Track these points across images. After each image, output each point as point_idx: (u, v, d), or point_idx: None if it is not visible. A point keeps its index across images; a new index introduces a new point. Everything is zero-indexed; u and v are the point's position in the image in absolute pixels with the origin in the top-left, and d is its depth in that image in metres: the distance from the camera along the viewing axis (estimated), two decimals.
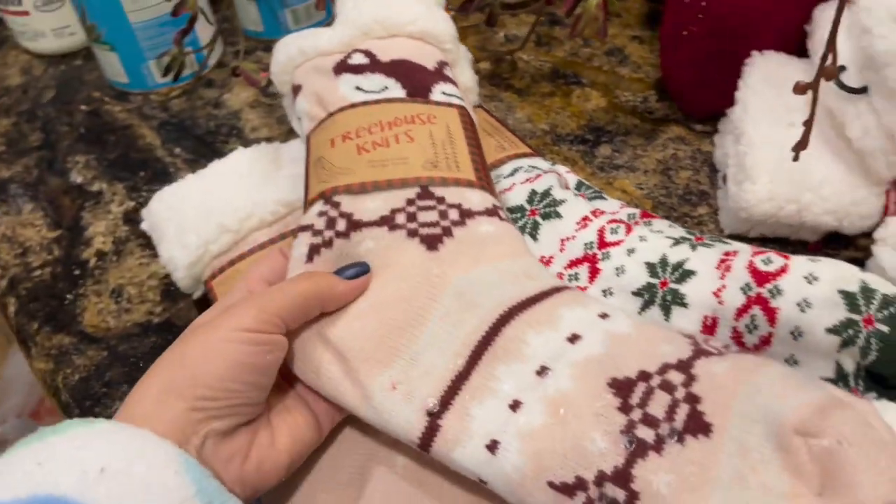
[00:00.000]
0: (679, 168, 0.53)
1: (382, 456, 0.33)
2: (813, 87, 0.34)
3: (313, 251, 0.35)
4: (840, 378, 0.34)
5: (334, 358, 0.32)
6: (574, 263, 0.40)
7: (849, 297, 0.33)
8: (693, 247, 0.39)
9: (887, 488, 0.23)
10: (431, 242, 0.34)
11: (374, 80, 0.39)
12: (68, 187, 0.59)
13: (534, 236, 0.42)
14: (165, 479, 0.25)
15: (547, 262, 0.41)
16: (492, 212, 0.36)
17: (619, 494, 0.26)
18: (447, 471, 0.32)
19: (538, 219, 0.42)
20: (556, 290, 0.33)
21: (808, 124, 0.35)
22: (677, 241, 0.39)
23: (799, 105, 0.46)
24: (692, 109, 0.56)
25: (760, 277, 0.35)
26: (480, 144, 0.40)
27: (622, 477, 0.26)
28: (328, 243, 0.35)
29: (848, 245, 0.46)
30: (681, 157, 0.54)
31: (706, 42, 0.50)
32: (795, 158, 0.36)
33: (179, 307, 0.49)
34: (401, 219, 0.35)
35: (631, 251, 0.39)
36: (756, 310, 0.35)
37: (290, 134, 0.58)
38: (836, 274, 0.34)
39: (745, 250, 0.37)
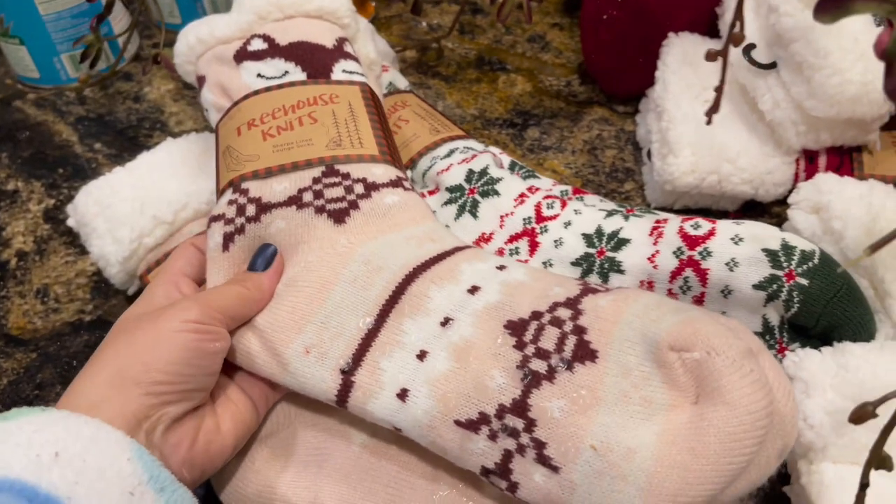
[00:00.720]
0: (605, 147, 0.55)
1: (339, 435, 0.34)
2: (722, 53, 0.37)
3: (227, 240, 0.36)
4: (766, 331, 0.36)
5: (254, 335, 0.33)
6: (514, 238, 0.41)
7: (771, 255, 0.35)
8: (625, 217, 0.40)
9: (751, 388, 0.26)
10: (339, 216, 0.35)
11: (275, 66, 0.40)
12: None
13: (474, 214, 0.43)
14: (119, 465, 0.25)
15: (488, 238, 0.42)
16: (396, 183, 0.37)
17: (519, 423, 0.28)
18: (406, 445, 0.33)
19: (477, 197, 0.43)
20: (458, 249, 0.35)
21: (719, 90, 0.37)
22: (610, 213, 0.41)
23: (714, 82, 0.48)
24: (614, 90, 0.58)
25: (691, 241, 0.37)
26: (385, 118, 0.41)
27: (520, 407, 0.28)
28: (241, 230, 0.35)
29: (763, 213, 0.49)
30: (605, 136, 0.56)
31: (625, 25, 0.52)
32: (709, 122, 0.38)
33: (112, 304, 0.47)
34: (308, 197, 0.35)
35: (567, 224, 0.41)
36: (689, 272, 0.37)
37: None
38: (759, 234, 0.36)
39: (674, 218, 0.39)
